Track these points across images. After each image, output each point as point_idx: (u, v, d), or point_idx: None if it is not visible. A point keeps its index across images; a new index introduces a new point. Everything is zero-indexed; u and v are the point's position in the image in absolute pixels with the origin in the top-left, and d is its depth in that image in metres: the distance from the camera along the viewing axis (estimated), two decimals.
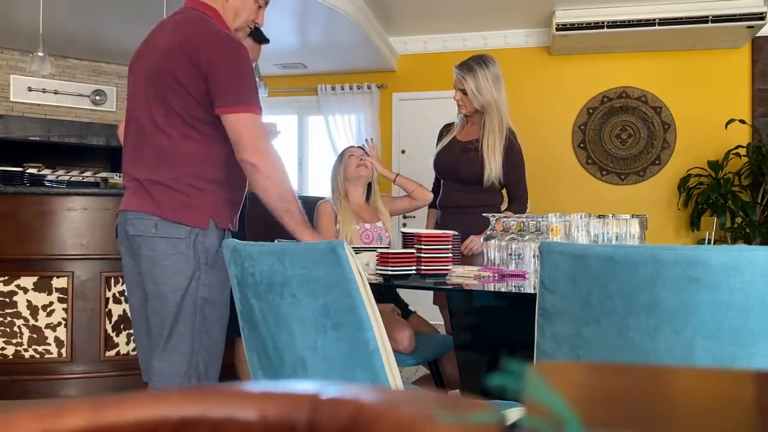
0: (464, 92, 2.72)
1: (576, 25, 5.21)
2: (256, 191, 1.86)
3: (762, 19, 4.91)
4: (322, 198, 2.93)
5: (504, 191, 2.88)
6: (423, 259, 1.97)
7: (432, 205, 3.01)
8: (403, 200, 2.99)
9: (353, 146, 3.03)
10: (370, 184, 2.93)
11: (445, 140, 2.87)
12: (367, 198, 2.94)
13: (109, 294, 3.33)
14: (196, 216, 1.82)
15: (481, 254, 2.33)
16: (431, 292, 2.81)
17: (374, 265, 1.96)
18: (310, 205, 2.58)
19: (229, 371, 2.58)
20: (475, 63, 2.71)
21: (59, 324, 3.27)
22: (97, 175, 3.78)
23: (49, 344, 3.27)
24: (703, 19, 4.98)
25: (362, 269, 1.30)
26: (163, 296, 1.80)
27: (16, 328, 3.24)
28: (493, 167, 2.66)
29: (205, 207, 1.84)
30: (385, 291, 2.69)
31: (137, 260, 1.87)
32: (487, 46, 5.77)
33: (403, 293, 2.83)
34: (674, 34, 5.21)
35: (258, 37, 2.68)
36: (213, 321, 1.85)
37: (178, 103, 1.81)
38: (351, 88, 6.20)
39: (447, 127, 2.96)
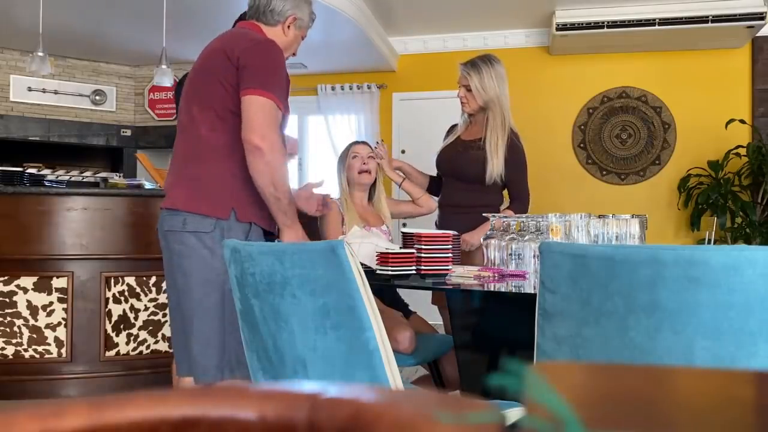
0: (468, 89, 2.74)
1: (576, 25, 5.21)
2: (253, 173, 1.87)
3: (762, 19, 4.90)
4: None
5: (505, 192, 2.88)
6: (423, 259, 1.97)
7: None
8: (407, 204, 2.94)
9: (357, 142, 2.90)
10: (373, 184, 2.83)
11: (449, 139, 2.89)
12: (369, 198, 2.84)
13: (109, 294, 3.33)
14: (219, 207, 1.90)
15: (481, 254, 2.33)
16: (430, 292, 2.81)
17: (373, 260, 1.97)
18: None
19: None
20: (480, 61, 2.77)
21: (59, 324, 3.27)
22: (97, 175, 3.77)
23: (49, 344, 3.26)
24: (703, 19, 4.98)
25: (361, 267, 1.30)
26: (191, 289, 1.88)
27: (15, 328, 3.24)
28: (496, 164, 2.67)
29: (227, 199, 1.91)
30: (385, 291, 2.68)
31: (170, 255, 1.96)
32: (487, 46, 5.77)
33: (403, 293, 2.83)
34: (674, 34, 5.21)
35: None
36: None
37: (211, 95, 1.92)
38: (351, 88, 6.19)
39: (453, 128, 2.97)
